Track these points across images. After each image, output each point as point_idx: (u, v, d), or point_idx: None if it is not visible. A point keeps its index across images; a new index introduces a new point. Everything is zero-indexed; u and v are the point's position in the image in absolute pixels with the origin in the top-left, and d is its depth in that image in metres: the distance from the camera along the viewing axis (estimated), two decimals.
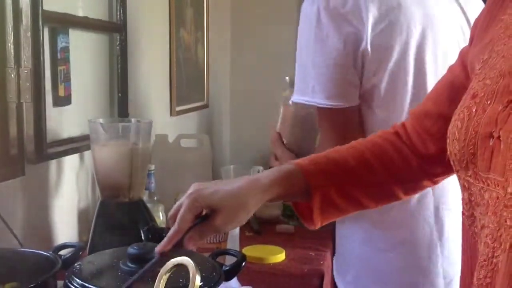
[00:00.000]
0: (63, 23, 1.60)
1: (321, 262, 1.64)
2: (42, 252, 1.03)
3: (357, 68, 1.19)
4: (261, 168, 2.43)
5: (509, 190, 0.63)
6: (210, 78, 3.02)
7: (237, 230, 1.56)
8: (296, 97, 1.24)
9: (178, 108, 2.54)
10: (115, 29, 1.88)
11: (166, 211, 1.75)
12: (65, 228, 1.60)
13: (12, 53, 1.38)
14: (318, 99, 1.19)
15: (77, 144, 1.64)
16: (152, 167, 1.76)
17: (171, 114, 2.47)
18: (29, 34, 1.40)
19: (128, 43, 1.91)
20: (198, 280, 0.74)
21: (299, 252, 1.70)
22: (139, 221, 1.41)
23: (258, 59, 3.38)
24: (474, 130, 0.69)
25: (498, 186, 0.65)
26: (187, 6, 2.68)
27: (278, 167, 0.95)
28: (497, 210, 0.65)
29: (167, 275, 0.77)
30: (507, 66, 0.69)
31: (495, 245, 0.64)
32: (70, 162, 1.63)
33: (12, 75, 1.39)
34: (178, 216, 0.88)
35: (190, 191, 0.90)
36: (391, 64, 1.19)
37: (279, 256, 1.63)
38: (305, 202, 0.94)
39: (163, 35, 2.39)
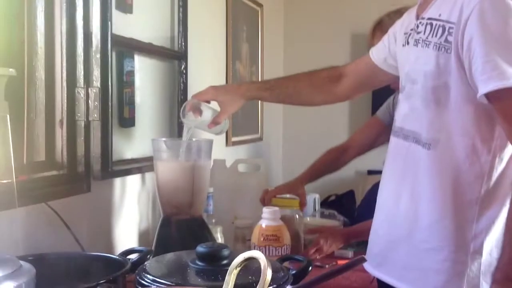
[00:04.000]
0: (129, 47, 1.66)
1: None
2: (112, 256, 1.05)
3: None
4: (317, 196, 2.42)
5: None
6: (264, 112, 3.06)
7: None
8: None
9: (234, 139, 2.57)
10: (176, 57, 1.95)
11: (223, 233, 1.76)
12: (126, 240, 1.63)
13: (82, 73, 1.45)
14: None
15: (140, 164, 1.68)
16: (211, 189, 1.78)
17: (226, 144, 2.51)
18: (98, 55, 1.47)
19: (188, 71, 1.97)
20: (269, 273, 0.73)
21: None
22: (199, 238, 1.42)
23: None
24: None
25: None
26: (243, 41, 2.75)
27: None
28: None
29: (238, 269, 0.76)
30: None
31: None
32: (133, 181, 1.67)
33: (82, 95, 1.45)
34: None
35: None
36: None
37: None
38: None
39: (220, 66, 2.45)
